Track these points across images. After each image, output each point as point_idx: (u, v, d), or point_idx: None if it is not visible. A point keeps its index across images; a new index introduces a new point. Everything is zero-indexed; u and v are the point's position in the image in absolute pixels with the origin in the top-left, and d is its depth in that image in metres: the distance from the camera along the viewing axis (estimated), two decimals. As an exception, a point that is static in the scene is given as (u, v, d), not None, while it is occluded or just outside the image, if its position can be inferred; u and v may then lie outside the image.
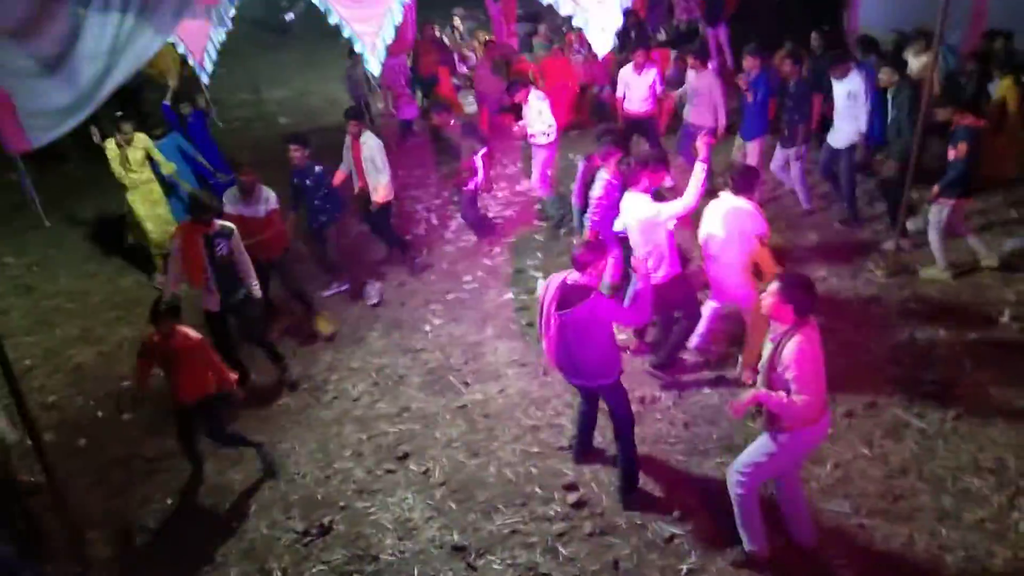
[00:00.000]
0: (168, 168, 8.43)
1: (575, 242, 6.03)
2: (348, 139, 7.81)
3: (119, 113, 8.55)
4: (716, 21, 12.39)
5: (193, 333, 5.26)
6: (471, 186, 8.25)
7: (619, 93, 9.23)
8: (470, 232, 8.75)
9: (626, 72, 9.07)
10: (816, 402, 3.87)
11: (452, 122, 8.17)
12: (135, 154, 8.12)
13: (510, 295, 7.51)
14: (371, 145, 7.61)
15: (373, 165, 7.61)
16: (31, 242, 9.74)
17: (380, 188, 7.67)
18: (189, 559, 5.04)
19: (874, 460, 5.10)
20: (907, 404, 5.52)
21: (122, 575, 5.03)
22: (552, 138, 8.45)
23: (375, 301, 7.66)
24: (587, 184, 6.62)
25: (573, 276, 4.57)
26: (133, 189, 8.23)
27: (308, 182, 7.30)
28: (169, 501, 5.48)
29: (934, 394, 5.57)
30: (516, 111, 9.18)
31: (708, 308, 6.11)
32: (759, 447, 4.19)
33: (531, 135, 8.50)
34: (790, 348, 3.82)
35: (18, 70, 4.09)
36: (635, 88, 9.00)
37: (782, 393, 3.88)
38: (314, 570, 4.85)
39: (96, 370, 6.97)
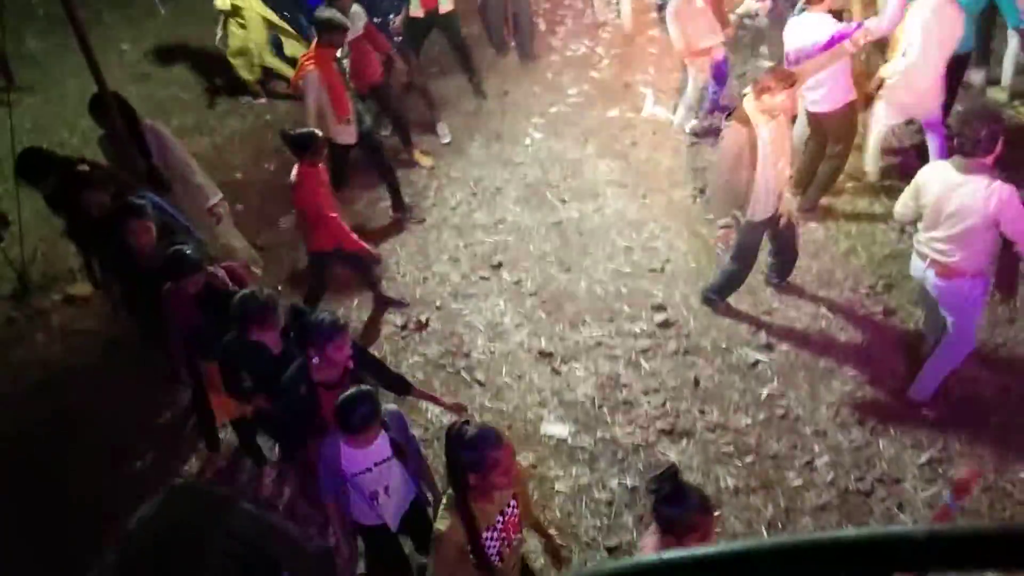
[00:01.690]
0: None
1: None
2: None
3: None
4: None
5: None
6: None
7: None
8: (579, 41, 8.36)
9: None
10: None
11: None
12: None
13: (615, 112, 7.27)
14: None
15: None
16: (147, 29, 9.90)
17: None
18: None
19: None
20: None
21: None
22: None
23: (447, 140, 7.28)
24: None
25: None
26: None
27: None
28: (280, 288, 5.81)
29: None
30: None
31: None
32: None
33: None
34: None
35: None
36: None
37: None
38: (411, 360, 5.23)
39: (212, 160, 7.26)
